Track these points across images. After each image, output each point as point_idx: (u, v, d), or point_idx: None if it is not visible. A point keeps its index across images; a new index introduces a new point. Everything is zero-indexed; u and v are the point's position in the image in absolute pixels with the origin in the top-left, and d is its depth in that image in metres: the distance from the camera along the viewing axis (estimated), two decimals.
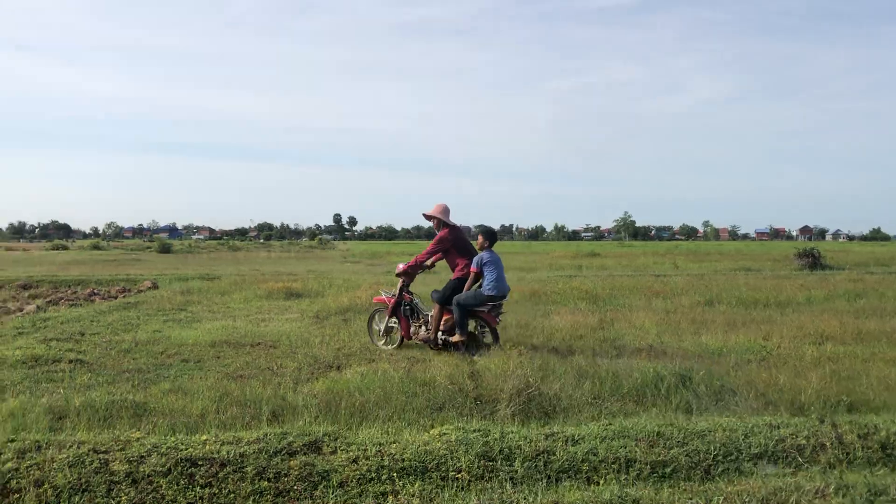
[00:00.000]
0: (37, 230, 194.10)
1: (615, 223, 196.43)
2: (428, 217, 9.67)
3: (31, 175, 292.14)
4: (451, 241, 9.41)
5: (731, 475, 4.54)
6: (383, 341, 9.72)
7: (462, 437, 4.77)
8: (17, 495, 4.06)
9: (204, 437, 4.78)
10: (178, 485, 4.17)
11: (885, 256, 38.81)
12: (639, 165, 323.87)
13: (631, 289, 17.30)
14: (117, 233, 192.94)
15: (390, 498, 4.15)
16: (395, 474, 4.33)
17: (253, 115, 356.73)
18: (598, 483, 4.41)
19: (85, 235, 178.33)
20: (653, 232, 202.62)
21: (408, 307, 9.66)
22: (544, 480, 4.40)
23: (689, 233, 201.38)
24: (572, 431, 5.03)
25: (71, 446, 4.53)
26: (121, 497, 4.07)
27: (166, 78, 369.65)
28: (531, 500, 4.06)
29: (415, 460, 4.47)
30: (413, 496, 4.16)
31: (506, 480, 4.37)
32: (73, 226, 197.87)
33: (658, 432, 5.00)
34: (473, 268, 9.04)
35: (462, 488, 4.29)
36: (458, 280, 9.18)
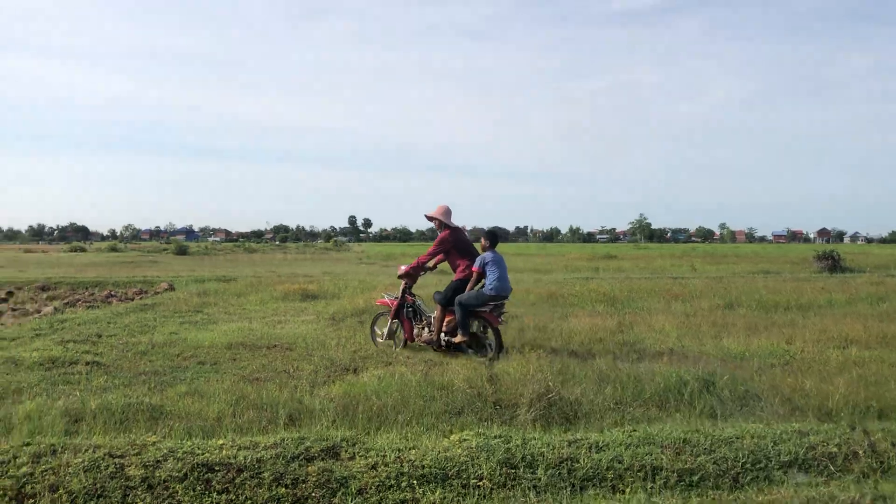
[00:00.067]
0: (56, 232, 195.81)
1: (630, 225, 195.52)
2: (430, 218, 9.69)
3: (50, 178, 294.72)
4: (451, 242, 9.41)
5: (761, 484, 4.41)
6: (387, 343, 9.70)
7: (483, 444, 4.67)
8: (32, 500, 4.00)
9: (220, 442, 4.71)
10: (194, 491, 4.10)
11: None
12: (655, 167, 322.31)
13: (649, 291, 17.13)
14: (135, 235, 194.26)
15: None
16: (414, 481, 4.23)
17: (269, 117, 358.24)
18: (623, 491, 4.29)
19: (103, 237, 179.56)
20: (668, 234, 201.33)
21: (410, 309, 9.66)
22: (568, 489, 4.29)
23: (705, 235, 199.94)
24: (596, 438, 4.91)
25: (86, 450, 4.47)
26: (136, 503, 4.00)
27: (184, 81, 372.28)
28: None
29: (435, 467, 4.37)
30: None
31: (529, 489, 4.26)
32: (92, 228, 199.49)
33: (684, 439, 4.88)
34: (476, 268, 9.02)
35: (484, 496, 4.19)
36: (459, 281, 9.17)
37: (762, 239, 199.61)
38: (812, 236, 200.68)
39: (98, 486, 4.09)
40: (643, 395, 6.57)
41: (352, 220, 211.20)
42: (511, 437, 4.86)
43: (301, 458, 4.45)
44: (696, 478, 4.41)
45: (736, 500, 4.05)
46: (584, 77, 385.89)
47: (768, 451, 4.72)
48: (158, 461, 4.34)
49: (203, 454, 4.44)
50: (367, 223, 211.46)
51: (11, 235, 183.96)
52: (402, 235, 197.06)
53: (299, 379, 7.46)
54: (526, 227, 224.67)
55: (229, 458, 4.38)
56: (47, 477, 4.15)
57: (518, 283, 20.42)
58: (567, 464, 4.47)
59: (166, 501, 4.03)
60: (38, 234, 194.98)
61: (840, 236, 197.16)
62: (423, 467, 4.36)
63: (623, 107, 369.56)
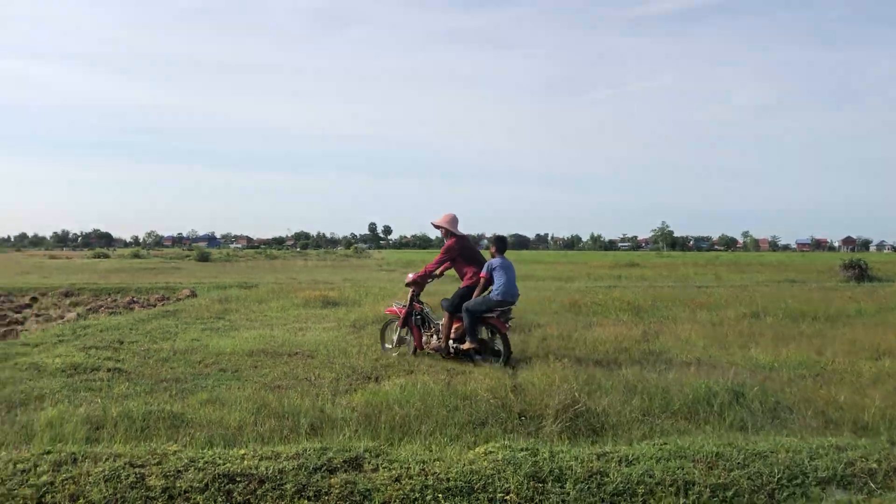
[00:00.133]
0: (79, 239, 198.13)
1: (653, 233, 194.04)
2: (436, 226, 9.79)
3: (73, 185, 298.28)
4: (458, 250, 9.48)
5: (798, 500, 4.24)
6: (396, 353, 9.67)
7: (509, 457, 4.55)
8: None
9: (242, 452, 4.63)
10: (215, 502, 4.01)
11: None
12: (677, 175, 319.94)
13: (673, 300, 16.92)
14: (157, 241, 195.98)
15: None
16: (439, 495, 4.12)
17: (289, 125, 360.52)
18: None
19: (126, 244, 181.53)
20: (691, 242, 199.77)
21: (419, 317, 9.69)
22: None
23: (728, 243, 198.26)
24: (625, 451, 4.77)
25: (107, 459, 4.41)
26: None
27: (206, 89, 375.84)
28: None
29: (460, 480, 4.25)
30: None
31: (557, 503, 4.13)
32: (115, 234, 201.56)
33: (717, 453, 4.73)
34: (483, 273, 9.08)
35: None
36: (466, 288, 9.23)
37: (786, 247, 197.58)
38: (837, 245, 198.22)
39: (118, 496, 4.02)
40: (671, 407, 6.42)
41: (372, 227, 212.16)
42: (538, 449, 4.74)
43: (323, 469, 4.36)
44: (729, 493, 4.26)
45: None
46: (605, 83, 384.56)
47: (805, 467, 4.55)
48: (179, 471, 4.27)
49: (224, 464, 4.36)
50: (388, 230, 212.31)
51: (37, 241, 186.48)
52: (422, 242, 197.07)
53: (321, 387, 7.39)
54: (546, 235, 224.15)
55: (251, 469, 4.30)
56: (67, 486, 4.09)
57: (540, 290, 20.31)
58: (596, 478, 4.34)
59: None
60: (63, 240, 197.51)
61: (865, 245, 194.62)
62: (448, 480, 4.25)
63: (644, 113, 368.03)
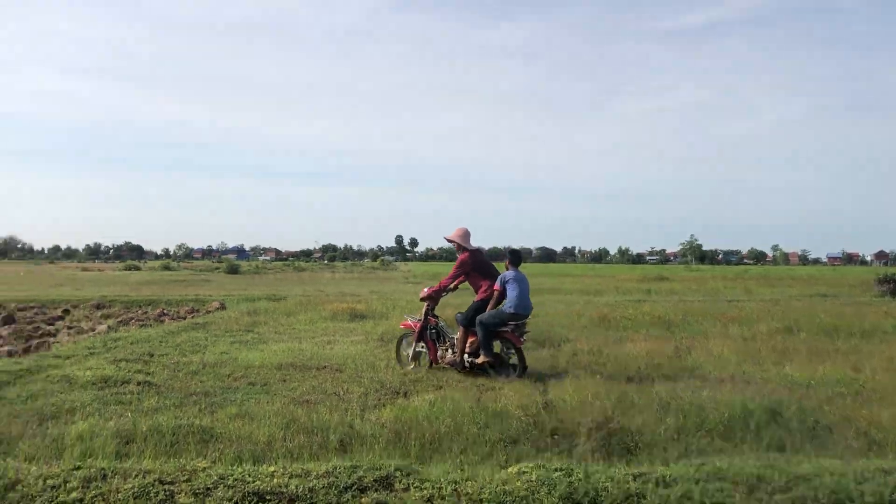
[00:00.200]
0: (111, 251, 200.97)
1: (681, 246, 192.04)
2: (449, 241, 9.85)
3: (106, 198, 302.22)
4: (471, 264, 9.55)
5: None
6: (412, 366, 9.64)
7: (544, 477, 4.44)
8: None
9: (272, 469, 4.58)
10: None
11: None
12: (705, 188, 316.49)
13: (704, 314, 16.68)
14: (187, 254, 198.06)
15: None
16: None
17: (317, 138, 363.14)
18: None
19: (156, 256, 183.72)
20: (720, 256, 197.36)
21: (434, 331, 9.71)
22: None
23: (757, 257, 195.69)
24: (662, 472, 4.64)
25: (136, 475, 4.38)
26: None
27: (235, 104, 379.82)
28: None
29: (494, 501, 4.16)
30: None
31: None
32: (146, 247, 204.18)
33: (757, 475, 4.58)
34: (497, 286, 9.11)
35: None
36: (480, 302, 9.26)
37: (816, 261, 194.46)
38: (869, 258, 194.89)
39: None
40: (706, 425, 6.26)
41: (398, 239, 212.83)
42: (573, 469, 4.62)
43: (354, 488, 4.29)
44: None
45: None
46: (632, 96, 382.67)
47: (850, 492, 4.38)
48: (209, 488, 4.23)
49: (254, 482, 4.31)
50: (414, 243, 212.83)
51: (70, 254, 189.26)
52: (448, 255, 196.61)
53: (349, 402, 7.33)
54: (573, 248, 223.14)
55: (280, 487, 4.24)
56: (97, 503, 4.07)
57: (569, 304, 20.16)
58: (633, 500, 4.22)
59: None
60: (95, 252, 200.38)
61: None
62: (482, 501, 4.16)
63: (672, 126, 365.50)
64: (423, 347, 9.75)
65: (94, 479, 4.33)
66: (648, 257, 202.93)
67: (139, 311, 19.71)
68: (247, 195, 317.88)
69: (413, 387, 8.26)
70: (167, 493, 4.16)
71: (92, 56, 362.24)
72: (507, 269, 9.25)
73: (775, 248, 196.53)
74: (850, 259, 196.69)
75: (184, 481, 4.32)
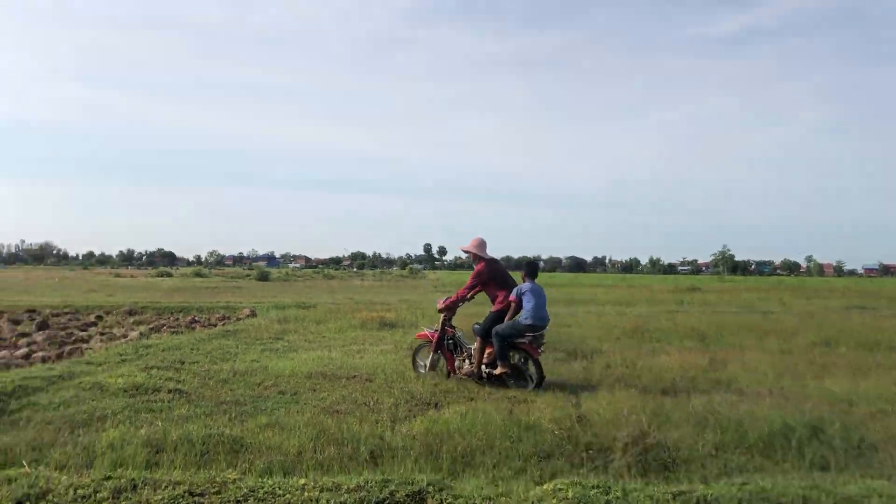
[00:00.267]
0: (144, 257, 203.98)
1: (713, 257, 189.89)
2: (465, 251, 9.82)
3: (140, 206, 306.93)
4: (487, 274, 9.48)
5: None
6: (429, 377, 9.54)
7: (580, 495, 4.32)
8: None
9: (302, 482, 4.51)
10: None
11: None
12: (738, 198, 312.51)
13: (738, 326, 16.36)
14: (219, 261, 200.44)
15: None
16: None
17: (347, 147, 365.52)
18: None
19: (188, 263, 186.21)
20: (752, 266, 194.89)
21: (451, 341, 9.66)
22: None
23: (790, 268, 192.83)
24: (703, 491, 4.48)
25: (166, 487, 4.33)
26: None
27: (265, 113, 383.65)
28: None
29: None
30: None
31: None
32: (178, 254, 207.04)
33: (803, 496, 4.41)
34: (513, 297, 9.06)
35: None
36: (497, 312, 9.20)
37: (852, 272, 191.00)
38: None
39: None
40: (746, 441, 6.09)
41: (427, 247, 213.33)
42: (610, 487, 4.49)
43: (386, 503, 4.20)
44: None
45: None
46: (662, 105, 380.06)
47: None
48: (239, 501, 4.17)
49: (284, 495, 4.24)
50: (442, 251, 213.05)
51: (103, 260, 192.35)
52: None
53: (380, 412, 7.25)
54: (604, 258, 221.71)
55: (311, 501, 4.17)
56: None
57: (601, 315, 19.91)
58: None
59: None
60: (128, 258, 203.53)
61: None
62: None
63: (704, 134, 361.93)
64: (439, 358, 9.75)
65: (125, 489, 4.30)
66: (680, 267, 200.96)
67: (171, 318, 19.86)
68: (277, 202, 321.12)
69: (444, 398, 8.16)
70: None
71: (121, 66, 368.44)
72: (524, 280, 9.20)
73: (809, 258, 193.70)
74: (886, 270, 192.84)
75: (214, 493, 4.27)
